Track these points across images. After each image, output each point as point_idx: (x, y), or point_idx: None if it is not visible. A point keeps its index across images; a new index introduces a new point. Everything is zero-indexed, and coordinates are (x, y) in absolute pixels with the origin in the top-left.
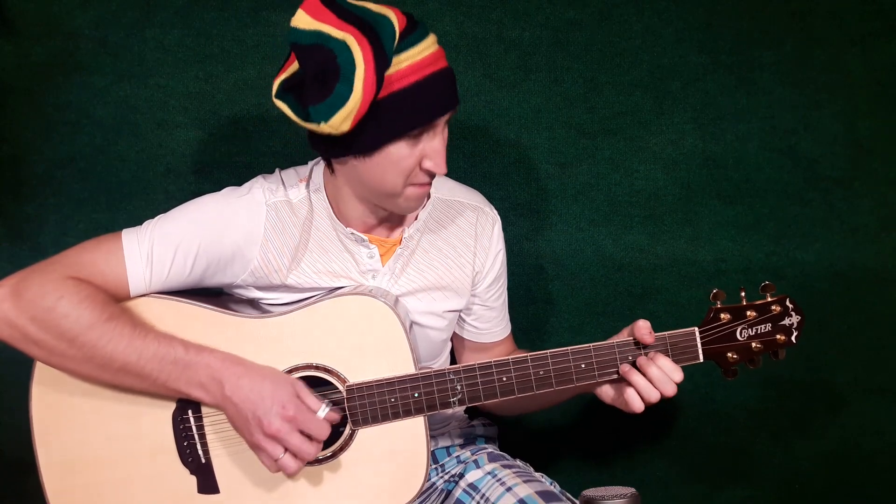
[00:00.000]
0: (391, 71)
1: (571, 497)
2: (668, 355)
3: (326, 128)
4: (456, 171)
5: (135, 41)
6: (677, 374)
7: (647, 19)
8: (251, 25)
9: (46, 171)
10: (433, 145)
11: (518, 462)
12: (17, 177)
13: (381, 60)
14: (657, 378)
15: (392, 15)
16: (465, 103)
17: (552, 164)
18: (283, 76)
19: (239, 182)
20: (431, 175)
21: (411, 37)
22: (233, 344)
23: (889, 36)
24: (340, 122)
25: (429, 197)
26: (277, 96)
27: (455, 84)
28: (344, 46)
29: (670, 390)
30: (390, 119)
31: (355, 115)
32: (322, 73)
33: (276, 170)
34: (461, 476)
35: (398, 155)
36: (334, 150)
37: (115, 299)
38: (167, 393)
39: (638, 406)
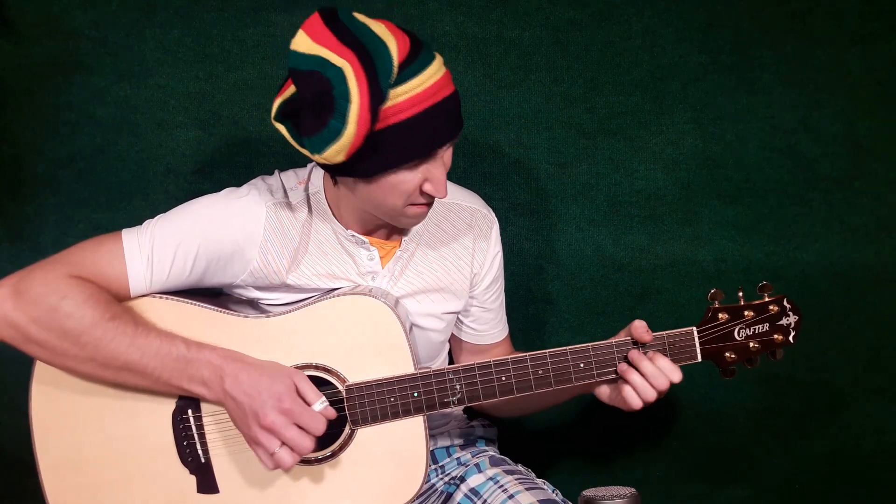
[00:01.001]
0: (388, 105)
1: None
2: (666, 355)
3: (321, 159)
4: (456, 171)
5: (135, 41)
6: (676, 375)
7: (647, 19)
8: (251, 25)
9: (46, 171)
10: (433, 172)
11: (520, 467)
12: (17, 177)
13: (377, 96)
14: (651, 373)
15: (392, 43)
16: (465, 103)
17: (552, 164)
18: (281, 98)
19: (239, 182)
20: (431, 197)
21: (411, 67)
22: (233, 344)
23: (889, 36)
24: (334, 155)
25: None
26: (276, 119)
27: (458, 110)
28: (341, 77)
29: (663, 384)
30: (387, 151)
31: (349, 149)
32: (318, 104)
33: (276, 171)
34: (462, 479)
35: (398, 180)
36: (336, 171)
37: (116, 299)
38: (169, 390)
39: (636, 404)
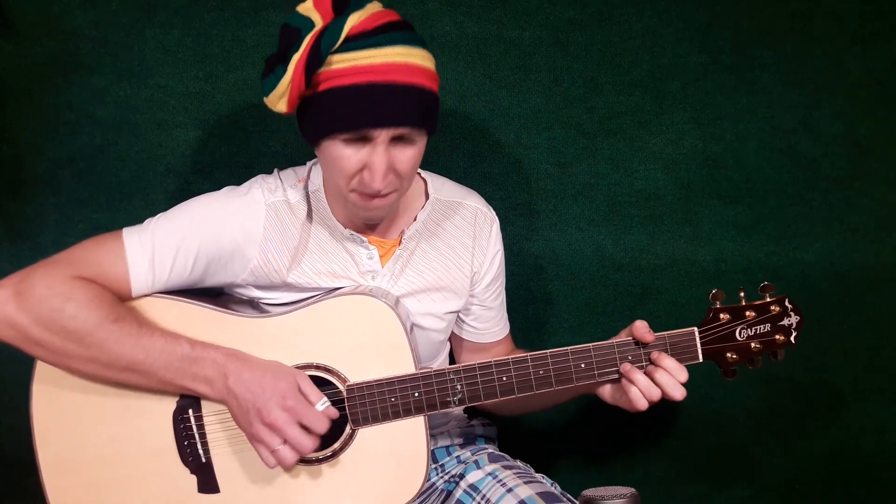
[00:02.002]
0: (325, 69)
1: (572, 498)
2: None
3: (267, 102)
4: (456, 171)
5: (135, 41)
6: (682, 374)
7: (647, 19)
8: (251, 25)
9: (46, 171)
10: (372, 159)
11: (519, 463)
12: (17, 177)
13: (314, 56)
14: (666, 383)
15: (357, 14)
16: (465, 103)
17: (552, 164)
18: None
19: (239, 182)
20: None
21: (366, 40)
22: (234, 343)
23: (889, 36)
24: (276, 101)
25: (427, 198)
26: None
27: (415, 102)
28: (308, 32)
29: (678, 394)
30: (320, 115)
31: (287, 99)
32: (283, 51)
33: (275, 170)
34: (461, 476)
35: (336, 154)
36: (300, 129)
37: (118, 299)
38: (171, 389)
39: (642, 405)
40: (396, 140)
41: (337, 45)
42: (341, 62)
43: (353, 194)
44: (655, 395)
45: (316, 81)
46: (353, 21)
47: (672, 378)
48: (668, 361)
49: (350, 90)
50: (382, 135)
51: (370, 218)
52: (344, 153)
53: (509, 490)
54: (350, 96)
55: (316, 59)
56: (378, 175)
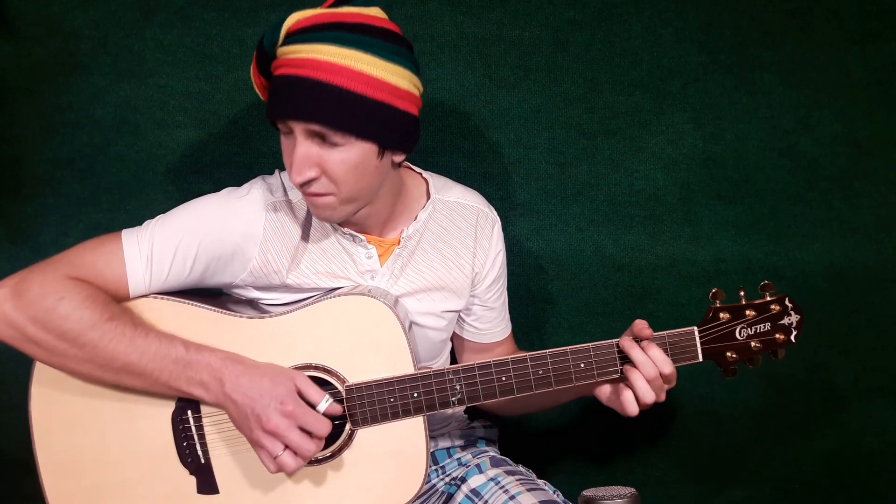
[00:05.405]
0: (276, 59)
1: None
2: (667, 354)
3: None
4: (456, 171)
5: (135, 41)
6: (667, 367)
7: (647, 19)
8: (251, 25)
9: (46, 171)
10: (294, 149)
11: (521, 468)
12: (17, 177)
13: (261, 48)
14: (657, 357)
15: (302, 13)
16: (465, 103)
17: (552, 164)
18: None
19: (239, 182)
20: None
21: (302, 36)
22: (233, 344)
23: (889, 36)
24: (256, 90)
25: (428, 197)
26: None
27: (322, 99)
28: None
29: (668, 368)
30: (268, 100)
31: (256, 86)
32: None
33: (276, 171)
34: (463, 480)
35: (282, 142)
36: None
37: (115, 299)
38: (168, 392)
39: (633, 410)
40: (319, 138)
41: (280, 40)
42: (281, 54)
43: (300, 190)
44: (649, 398)
45: (271, 70)
46: (294, 19)
47: (663, 354)
48: (656, 351)
49: (276, 80)
50: (296, 127)
51: (323, 219)
52: (282, 144)
53: (512, 497)
54: (275, 85)
55: (262, 50)
56: (293, 167)
